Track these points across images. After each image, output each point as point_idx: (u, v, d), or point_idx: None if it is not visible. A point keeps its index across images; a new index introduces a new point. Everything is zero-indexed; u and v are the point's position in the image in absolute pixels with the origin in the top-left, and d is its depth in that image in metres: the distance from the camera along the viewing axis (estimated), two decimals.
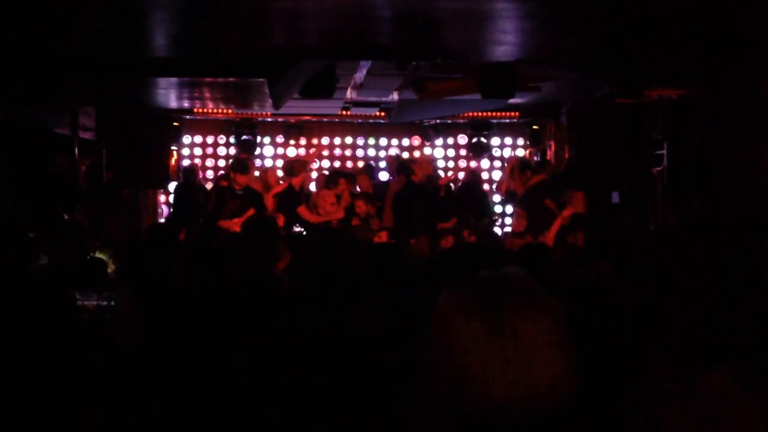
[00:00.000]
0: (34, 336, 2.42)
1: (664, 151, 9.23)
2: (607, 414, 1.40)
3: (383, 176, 12.71)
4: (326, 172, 12.24)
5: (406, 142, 13.45)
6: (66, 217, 9.63)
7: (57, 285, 2.64)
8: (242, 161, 10.67)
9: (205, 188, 11.80)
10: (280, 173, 12.29)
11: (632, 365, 1.41)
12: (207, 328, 3.12)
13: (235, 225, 9.67)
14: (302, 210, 10.16)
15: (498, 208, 12.97)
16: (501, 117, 12.21)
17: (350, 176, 11.38)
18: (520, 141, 13.28)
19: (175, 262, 4.91)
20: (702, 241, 1.42)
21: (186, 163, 12.52)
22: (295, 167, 11.16)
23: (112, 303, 4.38)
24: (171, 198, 12.03)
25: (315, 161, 12.73)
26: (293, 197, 10.43)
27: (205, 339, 3.03)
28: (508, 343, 1.27)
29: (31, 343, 2.41)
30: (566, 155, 11.35)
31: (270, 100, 8.22)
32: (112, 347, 3.15)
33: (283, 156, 13.21)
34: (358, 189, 11.33)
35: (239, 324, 3.14)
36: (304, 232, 9.62)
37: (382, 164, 13.14)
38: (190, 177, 11.42)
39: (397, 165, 11.69)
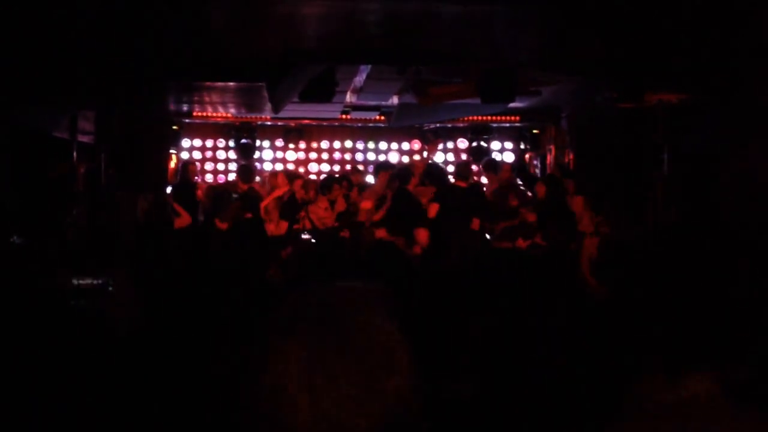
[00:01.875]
0: (22, 327, 2.41)
1: (665, 156, 9.22)
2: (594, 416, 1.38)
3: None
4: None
5: (406, 146, 13.44)
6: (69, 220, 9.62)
7: (42, 277, 2.64)
8: (247, 170, 10.63)
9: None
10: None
11: (621, 369, 1.40)
12: (203, 317, 3.12)
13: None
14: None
15: None
16: (501, 121, 12.20)
17: (345, 179, 11.25)
18: (520, 145, 13.27)
19: (173, 251, 4.90)
20: (691, 244, 1.41)
21: None
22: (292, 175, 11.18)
23: (110, 287, 4.36)
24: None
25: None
26: (294, 206, 10.41)
27: (201, 327, 3.03)
28: (317, 378, 1.07)
29: (19, 335, 2.40)
30: (566, 159, 11.35)
31: (269, 104, 8.21)
32: (108, 333, 3.13)
33: (283, 160, 13.20)
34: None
35: (233, 317, 3.15)
36: (313, 240, 9.58)
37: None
38: (185, 175, 11.38)
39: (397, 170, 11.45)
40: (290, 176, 10.79)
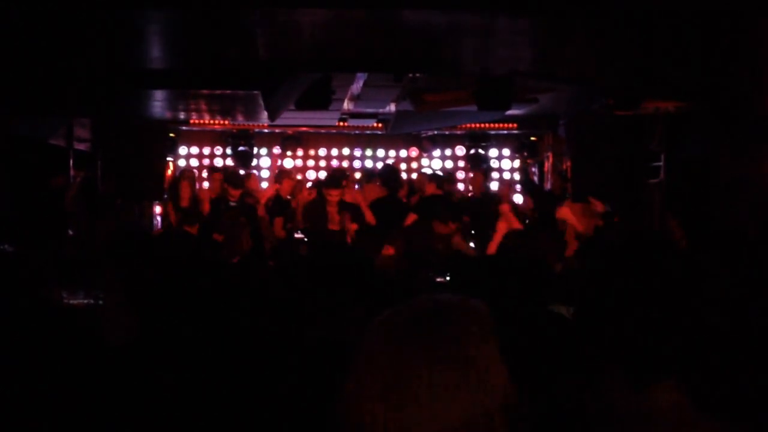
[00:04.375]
0: (9, 337, 2.39)
1: (662, 163, 9.22)
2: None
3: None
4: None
5: (403, 153, 13.44)
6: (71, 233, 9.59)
7: (32, 286, 2.62)
8: (235, 174, 10.62)
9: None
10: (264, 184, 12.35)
11: (586, 380, 1.38)
12: (198, 331, 3.10)
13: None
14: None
15: None
16: (499, 128, 12.20)
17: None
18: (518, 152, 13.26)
19: (169, 264, 4.88)
20: (657, 255, 1.40)
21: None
22: (282, 175, 11.22)
23: (101, 302, 4.34)
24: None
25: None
26: (281, 204, 10.40)
27: (195, 341, 3.01)
28: (393, 393, 1.08)
29: (7, 345, 2.38)
30: (564, 166, 11.34)
31: (265, 112, 8.20)
32: (99, 347, 3.11)
33: (280, 167, 13.21)
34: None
35: (229, 328, 3.13)
36: (305, 239, 9.54)
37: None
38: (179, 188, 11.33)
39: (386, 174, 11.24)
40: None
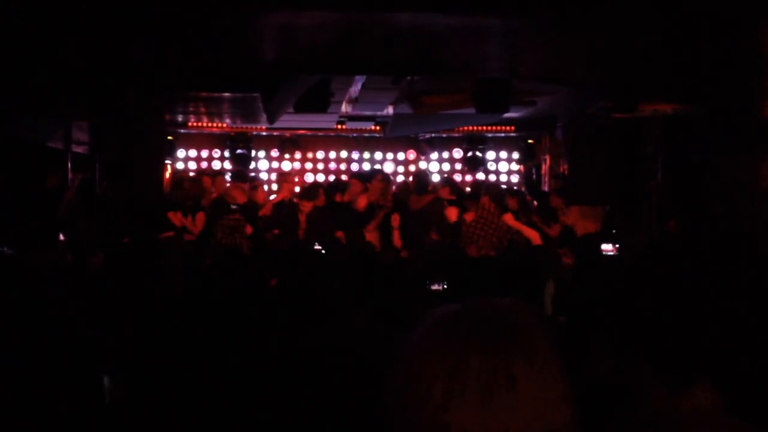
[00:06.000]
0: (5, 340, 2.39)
1: (659, 165, 9.23)
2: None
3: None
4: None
5: (401, 156, 13.45)
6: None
7: (30, 289, 2.62)
8: (242, 174, 10.62)
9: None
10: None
11: (621, 382, 1.38)
12: (195, 333, 3.10)
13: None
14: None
15: None
16: (497, 131, 12.21)
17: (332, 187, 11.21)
18: (515, 155, 13.26)
19: (166, 268, 4.89)
20: (689, 257, 1.40)
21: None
22: (278, 180, 11.26)
23: (99, 305, 4.33)
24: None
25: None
26: (285, 210, 10.38)
27: (193, 343, 3.01)
28: (501, 395, 1.04)
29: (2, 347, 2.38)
30: (561, 169, 11.35)
31: (264, 115, 8.20)
32: (97, 349, 3.11)
33: (278, 170, 13.21)
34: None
35: (228, 330, 3.13)
36: (323, 251, 9.46)
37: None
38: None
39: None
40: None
